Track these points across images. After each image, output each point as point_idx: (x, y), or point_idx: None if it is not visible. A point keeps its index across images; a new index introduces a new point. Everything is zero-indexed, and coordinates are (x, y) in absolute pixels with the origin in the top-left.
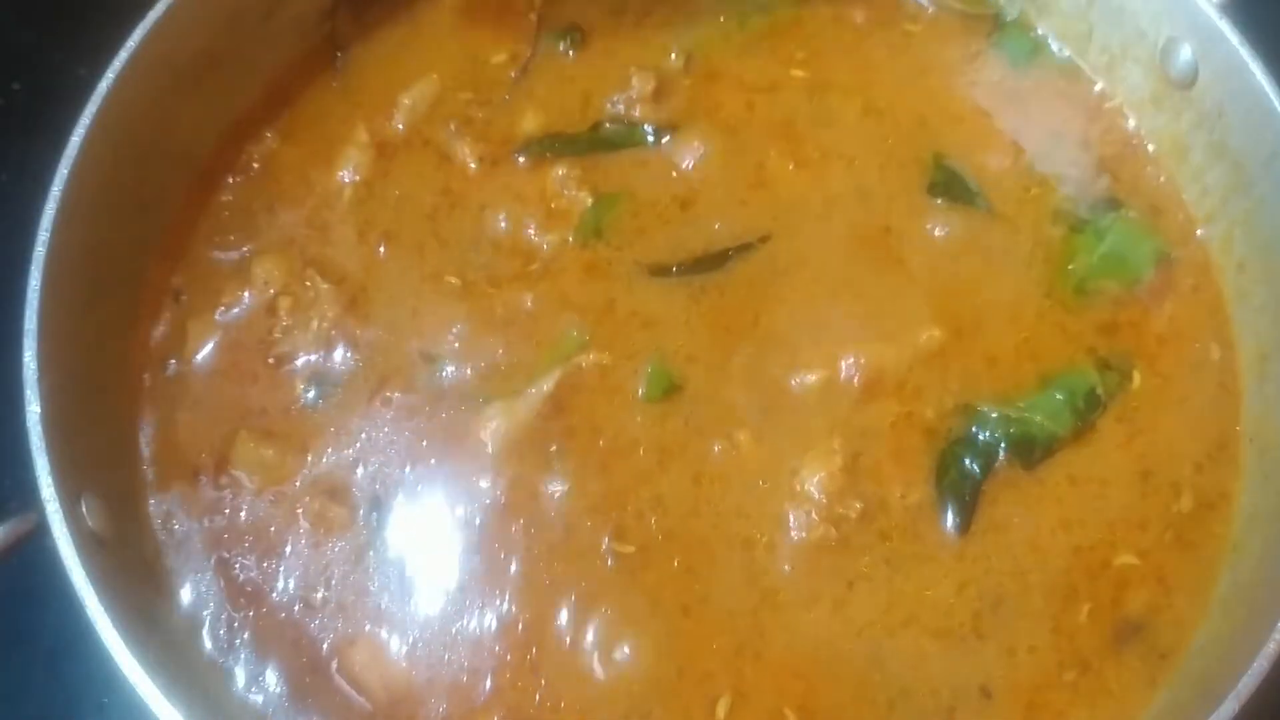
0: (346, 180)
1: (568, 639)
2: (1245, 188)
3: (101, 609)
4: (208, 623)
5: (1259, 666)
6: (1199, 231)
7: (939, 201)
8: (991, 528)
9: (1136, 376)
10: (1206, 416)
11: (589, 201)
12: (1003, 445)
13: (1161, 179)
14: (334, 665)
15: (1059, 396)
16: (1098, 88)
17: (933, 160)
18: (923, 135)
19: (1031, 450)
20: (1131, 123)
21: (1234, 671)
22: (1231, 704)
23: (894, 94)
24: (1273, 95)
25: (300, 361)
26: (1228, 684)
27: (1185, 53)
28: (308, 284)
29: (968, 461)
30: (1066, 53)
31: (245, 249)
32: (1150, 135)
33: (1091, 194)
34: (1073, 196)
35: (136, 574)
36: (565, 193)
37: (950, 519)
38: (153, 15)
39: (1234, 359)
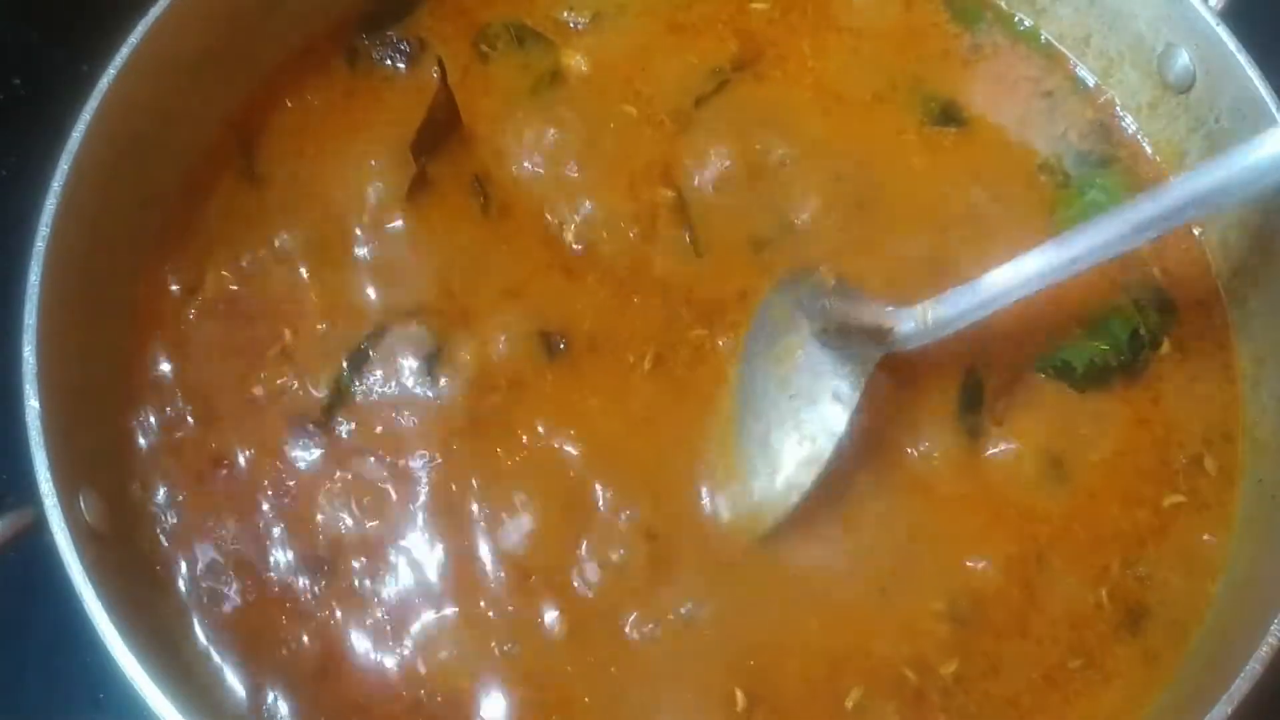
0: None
1: None
2: None
3: (98, 603)
4: (204, 617)
5: (1252, 669)
6: (1196, 231)
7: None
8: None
9: (1166, 344)
10: (1214, 394)
11: None
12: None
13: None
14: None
15: (1100, 344)
16: (1084, 76)
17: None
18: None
19: (1073, 371)
20: (1129, 124)
21: (1227, 674)
22: (1224, 706)
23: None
24: (1269, 100)
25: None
26: (1221, 686)
27: (1183, 58)
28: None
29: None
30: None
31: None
32: (1147, 138)
33: (1078, 154)
34: (1059, 153)
35: (133, 568)
36: None
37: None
38: (154, 12)
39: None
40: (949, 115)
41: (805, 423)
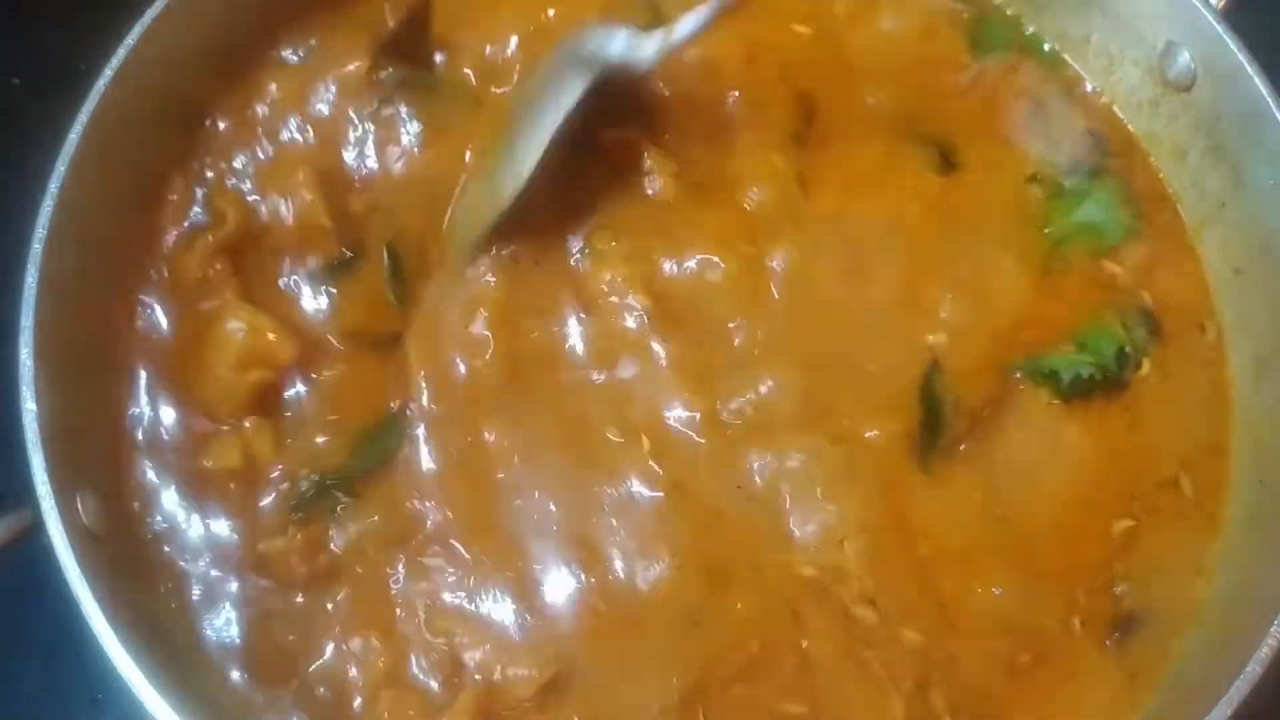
0: None
1: None
2: (1242, 190)
3: (95, 604)
4: (201, 618)
5: (1252, 671)
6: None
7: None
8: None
9: (1146, 364)
10: (1199, 412)
11: None
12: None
13: (1160, 175)
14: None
15: (1088, 358)
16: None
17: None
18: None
19: (1059, 380)
20: (1128, 126)
21: (1227, 675)
22: (1224, 708)
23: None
24: (1270, 99)
25: None
26: (1221, 687)
27: (1184, 56)
28: None
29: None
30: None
31: None
32: (1147, 138)
33: (1072, 164)
34: (1053, 163)
35: (131, 569)
36: None
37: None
38: (152, 11)
39: (1226, 358)
40: (947, 159)
41: (539, 117)
